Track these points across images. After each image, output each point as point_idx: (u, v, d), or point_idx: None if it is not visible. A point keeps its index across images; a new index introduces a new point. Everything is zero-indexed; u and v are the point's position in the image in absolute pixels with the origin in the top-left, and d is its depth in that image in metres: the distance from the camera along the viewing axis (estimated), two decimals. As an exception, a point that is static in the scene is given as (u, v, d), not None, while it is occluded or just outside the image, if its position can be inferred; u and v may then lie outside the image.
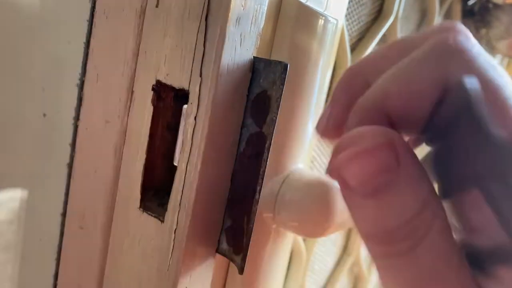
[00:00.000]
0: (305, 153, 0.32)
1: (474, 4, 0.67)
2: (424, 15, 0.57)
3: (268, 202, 0.28)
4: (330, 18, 0.28)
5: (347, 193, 0.15)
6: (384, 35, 0.47)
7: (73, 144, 0.26)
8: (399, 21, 0.47)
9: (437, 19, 0.58)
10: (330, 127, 0.19)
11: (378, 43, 0.47)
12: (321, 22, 0.28)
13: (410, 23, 0.54)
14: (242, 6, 0.22)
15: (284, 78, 0.23)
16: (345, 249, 0.55)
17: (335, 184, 0.28)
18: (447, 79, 0.15)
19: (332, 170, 0.15)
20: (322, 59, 0.29)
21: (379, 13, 0.45)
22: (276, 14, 0.26)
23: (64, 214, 0.27)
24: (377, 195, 0.14)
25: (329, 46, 0.30)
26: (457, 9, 0.66)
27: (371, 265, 0.65)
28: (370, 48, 0.42)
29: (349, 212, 0.15)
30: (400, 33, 0.48)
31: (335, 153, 0.15)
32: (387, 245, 0.14)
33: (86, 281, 0.27)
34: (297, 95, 0.29)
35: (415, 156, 0.14)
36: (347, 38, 0.37)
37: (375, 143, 0.14)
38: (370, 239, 0.15)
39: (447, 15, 0.65)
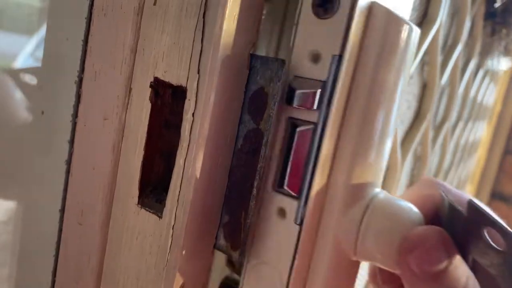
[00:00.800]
0: (383, 174, 0.27)
1: (498, 6, 0.66)
2: (453, 17, 0.56)
3: (349, 232, 0.25)
4: (413, 27, 0.25)
5: (410, 277, 0.22)
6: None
7: (72, 141, 0.26)
8: (443, 27, 0.46)
9: (467, 22, 0.57)
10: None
11: (426, 50, 0.45)
12: (406, 29, 0.25)
13: (442, 27, 0.54)
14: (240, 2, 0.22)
15: (281, 75, 0.23)
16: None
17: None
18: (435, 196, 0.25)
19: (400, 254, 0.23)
20: (404, 70, 0.26)
21: (423, 18, 0.44)
22: (366, 21, 0.23)
23: (62, 211, 0.27)
24: (435, 278, 0.21)
25: (410, 55, 0.26)
26: (481, 11, 0.65)
27: None
28: (420, 54, 0.41)
29: None
30: (441, 39, 0.47)
31: (404, 250, 0.23)
32: None
33: (85, 277, 0.27)
34: (380, 108, 0.25)
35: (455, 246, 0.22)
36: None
37: (433, 243, 0.22)
38: None
39: (472, 18, 0.65)
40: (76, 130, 0.26)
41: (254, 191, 0.24)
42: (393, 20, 0.24)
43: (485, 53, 0.79)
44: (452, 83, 0.62)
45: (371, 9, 0.24)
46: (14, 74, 0.33)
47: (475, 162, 1.25)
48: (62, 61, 0.26)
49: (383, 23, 0.24)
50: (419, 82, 0.49)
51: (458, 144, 0.82)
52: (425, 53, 0.48)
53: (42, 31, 0.33)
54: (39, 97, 0.28)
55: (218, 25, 0.22)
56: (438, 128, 0.64)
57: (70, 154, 0.26)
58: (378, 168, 0.26)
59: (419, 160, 0.58)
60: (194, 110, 0.23)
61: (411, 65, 0.29)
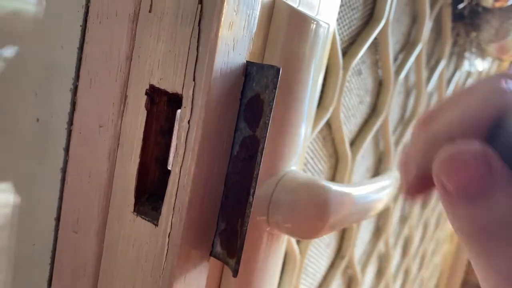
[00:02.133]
0: (298, 157, 0.32)
1: (464, 8, 0.67)
2: (414, 18, 0.58)
3: (262, 205, 0.28)
4: (321, 23, 0.29)
5: (446, 197, 0.17)
6: (375, 38, 0.47)
7: (67, 149, 0.26)
8: (390, 25, 0.47)
9: (427, 23, 0.59)
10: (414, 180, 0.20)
11: (369, 47, 0.47)
12: (312, 26, 0.28)
13: (401, 26, 0.55)
14: (235, 11, 0.22)
15: (277, 82, 0.23)
16: (339, 252, 0.55)
17: (327, 185, 0.29)
18: (500, 107, 0.17)
19: (434, 174, 0.17)
20: (314, 63, 0.30)
21: (370, 17, 0.45)
22: (268, 19, 0.27)
23: (58, 219, 0.27)
24: (474, 199, 0.16)
25: (320, 50, 0.30)
26: (447, 12, 0.66)
27: (364, 267, 0.65)
28: (362, 52, 0.42)
29: (446, 213, 0.17)
30: (391, 37, 0.49)
31: (438, 159, 0.17)
32: (482, 242, 0.16)
33: (80, 286, 0.27)
34: (290, 99, 0.29)
35: (503, 164, 0.17)
36: (338, 42, 0.37)
37: (472, 154, 0.16)
38: (466, 237, 0.17)
39: (438, 19, 0.66)
40: (71, 138, 0.26)
41: (251, 198, 0.24)
42: (296, 17, 0.27)
43: (460, 55, 0.81)
44: (418, 81, 0.64)
45: (273, 7, 0.26)
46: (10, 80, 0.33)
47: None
48: (57, 69, 0.26)
49: (285, 20, 0.26)
50: (372, 78, 0.50)
51: None
52: (377, 50, 0.49)
53: (37, 38, 0.33)
54: (34, 104, 0.28)
55: (214, 32, 0.22)
56: (406, 124, 0.65)
57: (66, 161, 0.26)
58: (291, 151, 0.30)
59: (383, 155, 0.59)
60: (190, 118, 0.23)
61: (324, 60, 0.31)
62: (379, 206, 0.39)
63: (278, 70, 0.23)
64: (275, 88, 0.23)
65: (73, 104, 0.26)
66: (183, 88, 0.23)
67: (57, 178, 0.26)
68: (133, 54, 0.25)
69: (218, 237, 0.26)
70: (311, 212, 0.28)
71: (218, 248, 0.26)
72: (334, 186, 0.30)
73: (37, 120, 0.27)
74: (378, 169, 0.59)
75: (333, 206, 0.29)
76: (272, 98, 0.23)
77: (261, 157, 0.24)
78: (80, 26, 0.25)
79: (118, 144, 0.25)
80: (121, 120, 0.25)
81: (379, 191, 0.39)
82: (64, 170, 0.26)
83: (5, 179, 0.28)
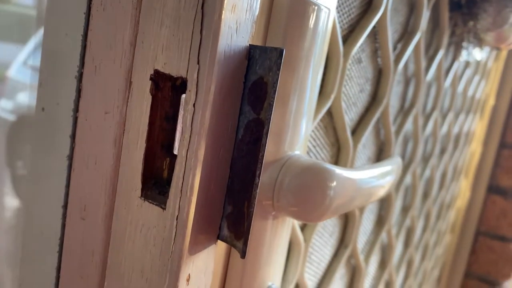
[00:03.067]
0: (302, 142, 0.32)
1: None
2: (412, 8, 0.58)
3: (267, 189, 0.29)
4: (322, 7, 0.29)
5: None
6: (374, 27, 0.47)
7: (73, 136, 0.26)
8: (388, 13, 0.47)
9: (425, 12, 0.59)
10: None
11: (369, 36, 0.47)
12: (314, 10, 0.28)
13: (399, 16, 0.55)
14: (237, -7, 0.23)
15: (280, 64, 0.23)
16: (342, 241, 0.55)
17: (331, 168, 0.29)
18: None
19: None
20: (315, 47, 0.30)
21: (369, 5, 0.45)
22: (270, 2, 0.27)
23: (65, 206, 0.27)
24: None
25: (322, 34, 0.30)
26: (445, 2, 0.67)
27: (368, 257, 0.65)
28: (362, 39, 0.43)
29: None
30: (390, 25, 0.49)
31: None
32: None
33: (89, 272, 0.28)
34: (292, 83, 0.29)
35: None
36: (338, 29, 0.37)
37: None
38: None
39: (435, 8, 0.67)
40: (77, 125, 0.26)
41: (257, 179, 0.24)
42: (297, 1, 0.27)
43: (458, 45, 0.81)
44: (417, 71, 0.64)
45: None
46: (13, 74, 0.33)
47: (468, 155, 1.25)
48: (62, 57, 0.26)
49: (287, 4, 0.26)
50: (372, 67, 0.51)
51: (435, 134, 0.84)
52: (376, 39, 0.50)
53: (34, 40, 0.33)
54: (40, 94, 0.28)
55: (217, 15, 0.22)
56: (406, 113, 0.65)
57: (72, 149, 0.26)
58: (294, 135, 0.31)
59: (384, 144, 0.60)
60: (195, 101, 0.23)
61: (325, 45, 0.31)
62: (381, 192, 0.40)
63: (282, 52, 0.23)
64: (278, 69, 0.23)
65: (79, 91, 0.26)
66: (187, 71, 0.23)
67: (64, 165, 0.27)
68: (137, 40, 0.25)
69: (225, 220, 0.27)
70: (315, 195, 0.29)
71: (225, 231, 0.27)
72: (338, 170, 0.30)
73: (43, 109, 0.28)
74: (379, 159, 0.60)
75: (336, 190, 0.29)
76: (276, 80, 0.23)
77: (266, 139, 0.24)
78: (84, 13, 0.25)
79: (124, 130, 0.26)
80: (127, 106, 0.25)
81: (381, 176, 0.39)
82: (70, 158, 0.27)
83: (13, 168, 0.28)
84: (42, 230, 0.28)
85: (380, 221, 0.68)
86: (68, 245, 0.28)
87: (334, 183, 0.29)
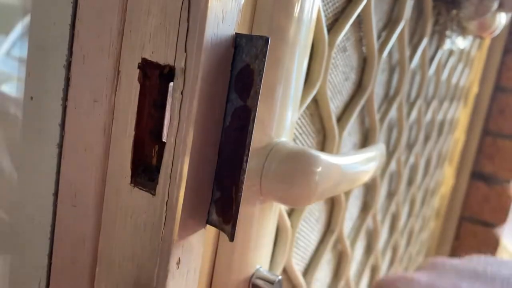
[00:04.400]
0: (288, 129, 0.33)
1: None
2: (396, -4, 0.59)
3: (254, 175, 0.29)
4: None
5: None
6: (359, 15, 0.48)
7: (62, 124, 0.27)
8: (373, 2, 0.48)
9: (409, 1, 0.60)
10: None
11: (353, 24, 0.48)
12: None
13: (384, 4, 0.56)
14: (223, -18, 0.23)
15: (266, 52, 0.24)
16: (328, 226, 0.57)
17: (316, 154, 0.30)
18: None
19: None
20: (300, 36, 0.30)
21: None
22: None
23: (56, 194, 0.28)
24: None
25: (307, 23, 0.31)
26: None
27: (354, 242, 0.67)
28: (346, 28, 0.43)
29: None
30: (374, 14, 0.50)
31: None
32: None
33: (81, 258, 0.28)
34: (278, 71, 0.30)
35: None
36: (323, 18, 0.38)
37: None
38: None
39: None
40: (66, 113, 0.26)
41: (244, 165, 0.25)
42: None
43: (442, 33, 0.82)
44: (401, 59, 0.65)
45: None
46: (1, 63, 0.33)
47: (452, 142, 1.28)
48: (50, 46, 0.26)
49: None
50: (357, 55, 0.52)
51: (419, 121, 0.85)
52: (361, 27, 0.51)
53: (18, 30, 0.33)
54: (28, 83, 0.28)
55: (204, 3, 0.23)
56: (390, 101, 0.67)
57: (62, 137, 0.27)
58: (281, 122, 0.31)
59: (369, 132, 0.61)
60: (183, 89, 0.24)
61: (310, 33, 0.32)
62: (366, 177, 0.41)
63: (267, 40, 0.24)
64: (264, 57, 0.24)
65: (67, 80, 0.26)
66: (175, 60, 0.24)
67: (54, 153, 0.27)
68: (125, 29, 0.25)
69: (214, 205, 0.27)
70: (301, 180, 0.29)
71: (214, 216, 0.27)
72: (323, 156, 0.31)
73: (31, 98, 0.28)
74: (364, 146, 0.61)
75: (321, 175, 0.30)
76: (262, 67, 0.24)
77: (253, 126, 0.25)
78: (71, 2, 0.25)
79: (113, 118, 0.26)
80: (115, 94, 0.26)
81: (365, 162, 0.40)
82: (60, 146, 0.27)
83: (3, 158, 0.29)
84: (33, 217, 0.28)
85: (366, 207, 0.70)
86: (60, 232, 0.28)
87: (320, 168, 0.29)
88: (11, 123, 0.29)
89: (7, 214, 0.28)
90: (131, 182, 0.26)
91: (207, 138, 0.26)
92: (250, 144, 0.25)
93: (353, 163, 0.36)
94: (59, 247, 0.28)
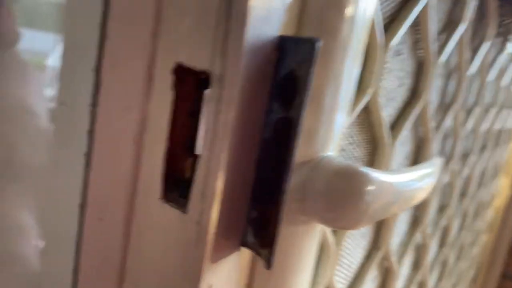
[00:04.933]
0: (335, 143, 0.30)
1: None
2: (457, -4, 0.54)
3: (296, 193, 0.26)
4: None
5: None
6: (417, 16, 0.44)
7: (91, 132, 0.25)
8: (433, 1, 0.44)
9: (472, 0, 0.55)
10: None
11: (411, 26, 0.44)
12: None
13: (443, 4, 0.51)
14: (268, -22, 0.20)
15: (315, 57, 0.21)
16: (375, 242, 0.53)
17: (367, 172, 0.27)
18: None
19: None
20: (353, 39, 0.27)
21: None
22: None
23: (82, 205, 0.26)
24: None
25: (361, 25, 0.28)
26: None
27: (401, 258, 0.63)
28: (403, 30, 0.40)
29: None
30: (433, 15, 0.46)
31: None
32: None
33: (107, 275, 0.26)
34: (326, 77, 0.27)
35: None
36: (379, 18, 0.35)
37: None
38: None
39: None
40: (95, 121, 0.25)
41: (286, 185, 0.22)
42: None
43: (504, 36, 0.76)
44: (460, 64, 0.60)
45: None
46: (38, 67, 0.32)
47: (508, 153, 1.20)
48: (81, 49, 0.25)
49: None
50: (413, 59, 0.47)
51: (476, 130, 0.79)
52: (418, 30, 0.46)
53: (50, 30, 0.32)
54: (60, 87, 0.27)
55: (245, 2, 0.20)
56: (446, 109, 0.62)
57: (90, 146, 0.25)
58: (328, 135, 0.28)
59: (422, 142, 0.56)
60: (220, 97, 0.21)
61: (364, 37, 0.28)
62: (421, 196, 0.37)
63: (317, 42, 0.21)
64: (313, 63, 0.21)
65: (97, 85, 0.24)
66: (211, 65, 0.21)
67: (81, 162, 0.25)
68: (158, 31, 0.23)
69: (250, 226, 0.25)
70: (350, 201, 0.26)
71: (250, 238, 0.25)
72: (374, 173, 0.27)
73: (62, 103, 0.26)
74: (417, 157, 0.57)
75: (373, 195, 0.27)
76: (310, 74, 0.21)
77: (297, 140, 0.22)
78: (103, 2, 0.23)
79: (144, 127, 0.24)
80: (147, 101, 0.24)
81: (420, 179, 0.36)
82: (88, 155, 0.25)
83: (30, 165, 0.27)
84: (58, 229, 0.27)
85: (415, 222, 0.65)
86: (86, 246, 0.27)
87: (371, 187, 0.26)
88: (41, 128, 0.28)
89: (33, 226, 0.26)
90: (161, 197, 0.24)
91: (244, 152, 0.23)
92: (293, 161, 0.22)
93: (408, 181, 0.32)
94: (86, 262, 0.27)
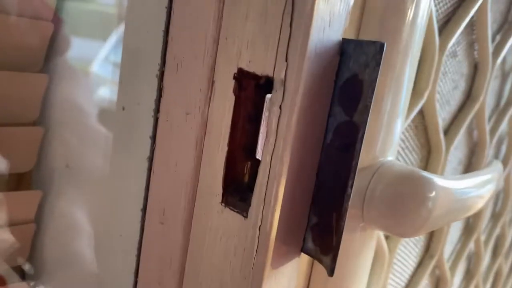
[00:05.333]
0: (394, 147, 0.29)
1: None
2: (514, -6, 0.52)
3: (356, 198, 0.26)
4: None
5: None
6: (472, 16, 0.43)
7: (153, 137, 0.25)
8: (489, 1, 0.42)
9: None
10: None
11: (466, 27, 0.43)
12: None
13: (499, 3, 0.49)
14: (333, -19, 0.20)
15: (380, 59, 0.20)
16: (428, 250, 0.51)
17: (430, 177, 0.26)
18: None
19: None
20: (413, 42, 0.27)
21: None
22: None
23: (144, 210, 0.26)
24: None
25: (420, 28, 0.27)
26: None
27: (453, 267, 0.60)
28: (459, 31, 0.38)
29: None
30: (489, 15, 0.44)
31: None
32: None
33: (167, 278, 0.27)
34: (386, 81, 0.26)
35: None
36: (435, 20, 0.34)
37: None
38: None
39: None
40: (158, 126, 0.25)
41: (349, 190, 0.22)
42: None
43: None
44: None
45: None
46: (95, 72, 0.33)
47: None
48: (143, 55, 0.25)
49: None
50: (468, 61, 0.46)
51: None
52: (473, 30, 0.45)
53: (115, 36, 0.33)
54: (120, 93, 0.27)
55: (309, 6, 0.20)
56: (501, 112, 0.59)
57: (152, 150, 0.25)
58: (388, 139, 0.28)
59: (477, 146, 0.54)
60: (282, 102, 0.21)
61: (422, 39, 0.27)
62: (480, 203, 0.35)
63: (382, 45, 0.20)
64: (378, 65, 0.20)
65: (160, 90, 0.25)
66: (274, 70, 0.21)
67: (143, 167, 0.26)
68: (220, 35, 0.23)
69: (310, 232, 0.24)
70: (412, 207, 0.25)
71: (310, 244, 0.24)
72: (437, 179, 0.27)
73: (123, 108, 0.27)
74: (471, 162, 0.55)
75: (435, 202, 0.26)
76: (375, 78, 0.21)
77: (361, 145, 0.22)
78: (166, 8, 0.24)
79: (205, 132, 0.24)
80: (208, 106, 0.24)
81: (480, 186, 0.35)
82: (150, 159, 0.26)
83: (93, 169, 0.28)
84: (121, 233, 0.27)
85: (469, 230, 0.63)
86: (146, 250, 0.27)
87: (434, 194, 0.25)
88: (102, 133, 0.29)
89: (95, 228, 0.27)
90: (222, 201, 0.24)
91: (306, 157, 0.23)
92: (356, 166, 0.22)
93: (468, 188, 0.31)
94: (146, 265, 0.27)
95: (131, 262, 0.27)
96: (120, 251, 0.28)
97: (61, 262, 0.33)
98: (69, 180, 0.32)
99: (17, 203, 0.32)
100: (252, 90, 0.24)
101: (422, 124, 0.40)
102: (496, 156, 0.65)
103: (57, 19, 0.33)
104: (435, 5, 0.37)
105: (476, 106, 0.47)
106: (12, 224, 0.33)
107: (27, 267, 0.34)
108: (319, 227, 0.24)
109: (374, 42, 0.21)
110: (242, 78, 0.23)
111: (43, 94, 0.32)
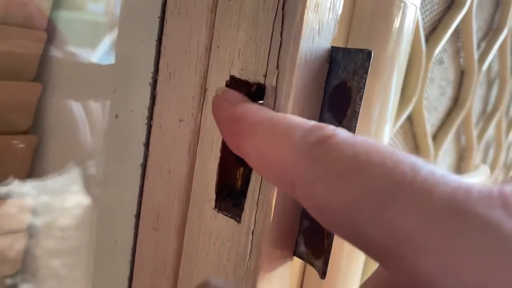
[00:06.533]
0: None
1: None
2: (498, 2, 0.53)
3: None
4: (409, 3, 0.26)
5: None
6: (457, 25, 0.44)
7: (147, 144, 0.26)
8: (474, 10, 0.44)
9: (512, 7, 0.54)
10: None
11: (452, 35, 0.44)
12: (400, 7, 0.26)
13: (484, 12, 0.51)
14: (321, -9, 0.21)
15: (368, 67, 0.21)
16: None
17: None
18: None
19: None
20: (400, 49, 0.27)
21: (452, 1, 0.42)
22: (353, 1, 0.25)
23: (138, 216, 0.27)
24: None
25: (407, 34, 0.28)
26: None
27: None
28: (445, 38, 0.39)
29: None
30: (474, 23, 0.45)
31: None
32: None
33: (161, 283, 0.27)
34: (374, 88, 0.27)
35: None
36: (421, 28, 0.35)
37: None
38: None
39: None
40: (151, 133, 0.25)
41: (339, 193, 0.22)
42: None
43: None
44: (502, 71, 0.58)
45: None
46: (89, 80, 0.33)
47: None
48: (136, 63, 0.26)
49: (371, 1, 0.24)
50: (454, 68, 0.47)
51: None
52: (459, 38, 0.45)
53: (104, 45, 0.33)
54: (113, 100, 0.28)
55: (299, 15, 0.20)
56: (488, 118, 0.60)
57: (146, 157, 0.26)
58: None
59: (465, 151, 0.55)
60: (273, 108, 0.22)
61: (409, 46, 0.28)
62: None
63: (370, 53, 0.21)
64: (365, 73, 0.21)
65: (153, 98, 0.25)
66: (265, 77, 0.22)
67: (137, 174, 0.26)
68: (212, 44, 0.24)
69: (302, 235, 0.25)
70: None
71: (302, 248, 0.25)
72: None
73: (116, 116, 0.27)
74: (459, 167, 0.55)
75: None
76: (363, 84, 0.21)
77: (350, 150, 0.22)
78: (158, 17, 0.24)
79: (198, 139, 0.25)
80: (201, 114, 0.24)
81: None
82: (144, 166, 0.26)
83: (86, 176, 0.28)
84: (116, 239, 0.28)
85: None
86: (140, 255, 0.27)
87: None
88: (95, 141, 0.29)
89: (89, 235, 0.27)
90: (215, 207, 0.24)
91: (298, 162, 0.23)
92: (346, 171, 0.22)
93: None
94: (140, 270, 0.27)
95: (125, 267, 0.28)
96: (114, 257, 0.28)
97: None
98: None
99: (10, 211, 0.32)
100: (244, 97, 0.24)
101: (410, 130, 0.41)
102: (483, 160, 0.66)
103: (51, 28, 0.34)
104: (422, 14, 0.38)
105: (463, 112, 0.48)
106: (5, 233, 0.33)
107: None
108: (311, 230, 0.24)
109: (362, 50, 0.21)
110: (234, 85, 0.23)
111: (36, 102, 0.33)
